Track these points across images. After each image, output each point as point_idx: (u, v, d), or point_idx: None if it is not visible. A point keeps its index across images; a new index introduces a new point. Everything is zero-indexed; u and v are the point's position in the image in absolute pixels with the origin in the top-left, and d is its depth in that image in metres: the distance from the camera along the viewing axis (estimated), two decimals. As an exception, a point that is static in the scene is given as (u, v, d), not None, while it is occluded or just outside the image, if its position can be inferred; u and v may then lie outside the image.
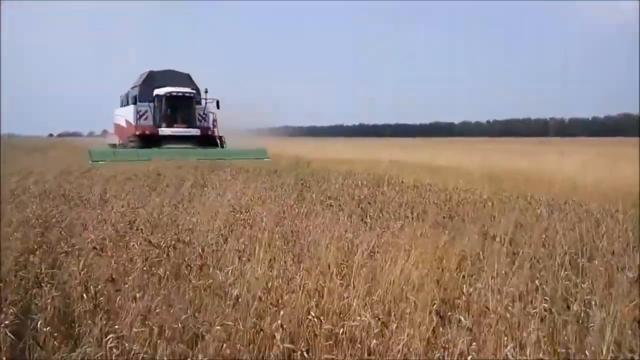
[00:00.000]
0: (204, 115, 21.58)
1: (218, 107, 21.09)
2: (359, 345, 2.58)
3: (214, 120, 21.41)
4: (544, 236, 5.09)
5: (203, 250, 4.31)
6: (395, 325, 2.77)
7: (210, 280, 3.49)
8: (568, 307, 3.19)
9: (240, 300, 3.09)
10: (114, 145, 23.04)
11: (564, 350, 2.68)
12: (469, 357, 2.34)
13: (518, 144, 39.83)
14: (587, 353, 2.55)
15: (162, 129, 19.80)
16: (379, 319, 2.78)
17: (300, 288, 3.26)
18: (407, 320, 2.84)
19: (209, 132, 20.96)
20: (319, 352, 2.61)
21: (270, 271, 3.74)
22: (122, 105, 23.99)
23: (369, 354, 2.54)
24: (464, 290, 3.32)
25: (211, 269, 3.85)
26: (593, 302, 3.16)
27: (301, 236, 4.99)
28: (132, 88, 22.55)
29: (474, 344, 2.51)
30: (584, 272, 3.94)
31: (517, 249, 4.64)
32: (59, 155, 21.82)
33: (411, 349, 2.54)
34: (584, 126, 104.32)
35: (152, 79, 21.38)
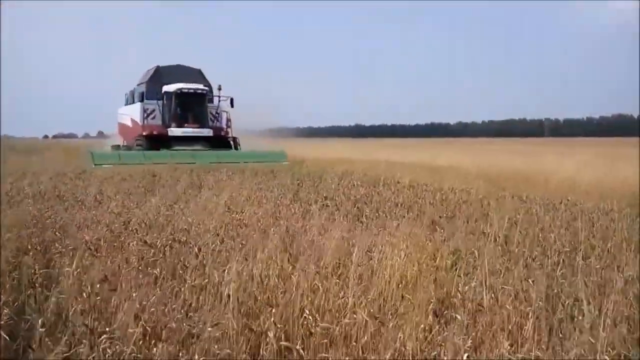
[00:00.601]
0: (216, 115, 19.75)
1: (232, 105, 19.13)
2: (355, 344, 2.58)
3: (228, 120, 19.51)
4: (539, 235, 5.10)
5: (199, 250, 4.29)
6: (391, 323, 2.76)
7: (206, 280, 3.48)
8: (563, 305, 3.20)
9: (235, 299, 3.08)
10: (117, 147, 21.28)
11: (559, 348, 2.69)
12: (465, 355, 2.34)
13: (514, 144, 39.94)
14: (582, 350, 2.55)
15: (172, 129, 17.99)
16: (375, 317, 2.77)
17: (295, 287, 3.26)
18: (403, 318, 2.84)
19: (222, 133, 19.11)
20: (314, 350, 2.60)
21: (266, 271, 3.73)
22: (127, 104, 22.11)
23: (365, 352, 2.53)
24: (460, 288, 3.32)
25: (207, 268, 3.84)
26: (588, 300, 3.16)
27: (297, 236, 4.99)
28: (138, 85, 20.67)
29: (469, 341, 2.51)
30: (579, 270, 3.94)
31: (512, 248, 4.66)
32: (56, 157, 21.42)
33: (407, 347, 2.53)
34: (579, 126, 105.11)
35: (160, 75, 19.41)
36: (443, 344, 2.53)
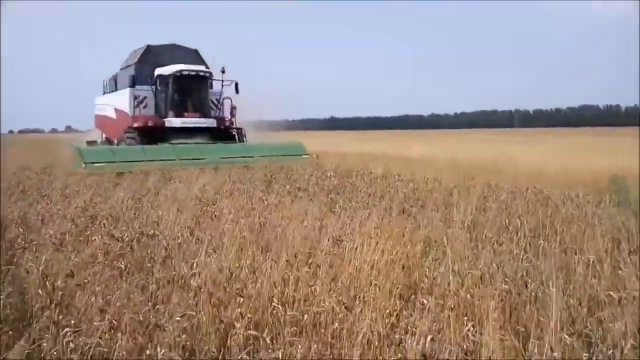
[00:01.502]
0: (218, 102, 16.86)
1: (237, 91, 16.25)
2: (323, 331, 2.60)
3: (233, 108, 16.68)
4: (506, 221, 5.22)
5: (168, 243, 4.24)
6: (359, 309, 2.79)
7: (174, 272, 3.44)
8: (527, 287, 3.29)
9: (203, 290, 3.05)
10: (93, 142, 18.35)
11: (522, 329, 2.77)
12: (429, 337, 2.38)
13: (485, 135, 40.69)
14: (543, 330, 2.63)
15: (169, 119, 15.11)
16: (343, 304, 2.79)
17: (265, 277, 3.25)
18: (371, 304, 2.86)
19: (227, 124, 16.42)
20: (283, 338, 2.60)
21: (236, 262, 3.71)
22: (106, 92, 19.01)
23: (332, 338, 2.55)
24: (428, 274, 3.37)
25: (175, 261, 3.79)
26: (550, 283, 3.25)
27: (269, 227, 4.97)
28: (124, 68, 17.47)
29: (435, 324, 2.56)
30: (543, 254, 4.06)
31: (479, 234, 4.75)
32: (24, 153, 20.46)
33: (374, 332, 2.56)
34: (548, 117, 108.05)
35: (151, 56, 16.49)
36: (409, 328, 2.57)
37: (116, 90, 17.61)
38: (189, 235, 4.53)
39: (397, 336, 2.51)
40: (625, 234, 4.69)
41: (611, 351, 2.42)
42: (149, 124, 14.95)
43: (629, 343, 2.39)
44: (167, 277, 3.40)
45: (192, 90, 15.79)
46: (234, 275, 3.34)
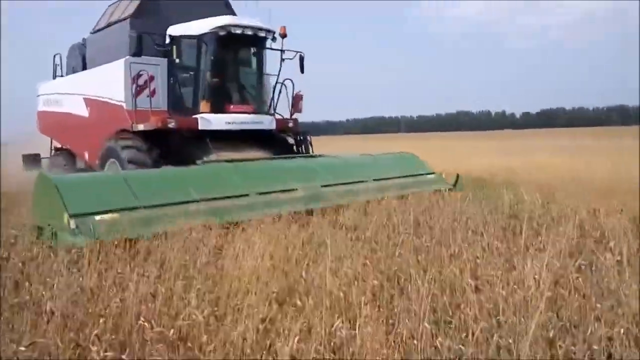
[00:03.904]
0: (272, 89, 9.55)
1: (302, 69, 9.56)
2: (190, 344, 2.49)
3: (297, 98, 9.87)
4: (385, 220, 5.48)
5: (23, 264, 3.80)
6: (229, 317, 2.72)
7: (27, 297, 3.08)
8: (397, 281, 3.47)
9: (59, 314, 2.77)
10: (34, 157, 11.55)
11: (392, 320, 2.90)
12: (297, 337, 2.39)
13: (373, 141, 42.91)
14: (408, 321, 2.77)
15: (204, 115, 8.30)
16: (213, 314, 2.70)
17: (133, 294, 3.04)
18: (245, 311, 2.81)
19: (290, 125, 9.71)
20: (149, 356, 2.44)
21: (103, 280, 3.43)
22: (60, 74, 11.47)
23: (200, 351, 2.45)
24: (305, 275, 3.41)
25: (32, 284, 3.40)
26: (417, 276, 3.46)
27: (144, 241, 4.69)
28: (102, 29, 10.10)
29: (305, 323, 2.58)
30: (417, 249, 4.32)
31: (359, 234, 4.93)
32: None
33: (246, 339, 2.51)
34: (429, 122, 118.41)
35: (155, 6, 9.22)
36: (281, 331, 2.56)
37: (85, 67, 10.56)
38: (50, 255, 4.10)
39: (268, 341, 2.48)
40: (486, 226, 5.18)
41: (464, 334, 2.62)
42: (170, 125, 8.02)
43: (480, 326, 2.61)
44: (19, 302, 3.03)
45: (241, 66, 9.22)
46: (96, 295, 3.07)
